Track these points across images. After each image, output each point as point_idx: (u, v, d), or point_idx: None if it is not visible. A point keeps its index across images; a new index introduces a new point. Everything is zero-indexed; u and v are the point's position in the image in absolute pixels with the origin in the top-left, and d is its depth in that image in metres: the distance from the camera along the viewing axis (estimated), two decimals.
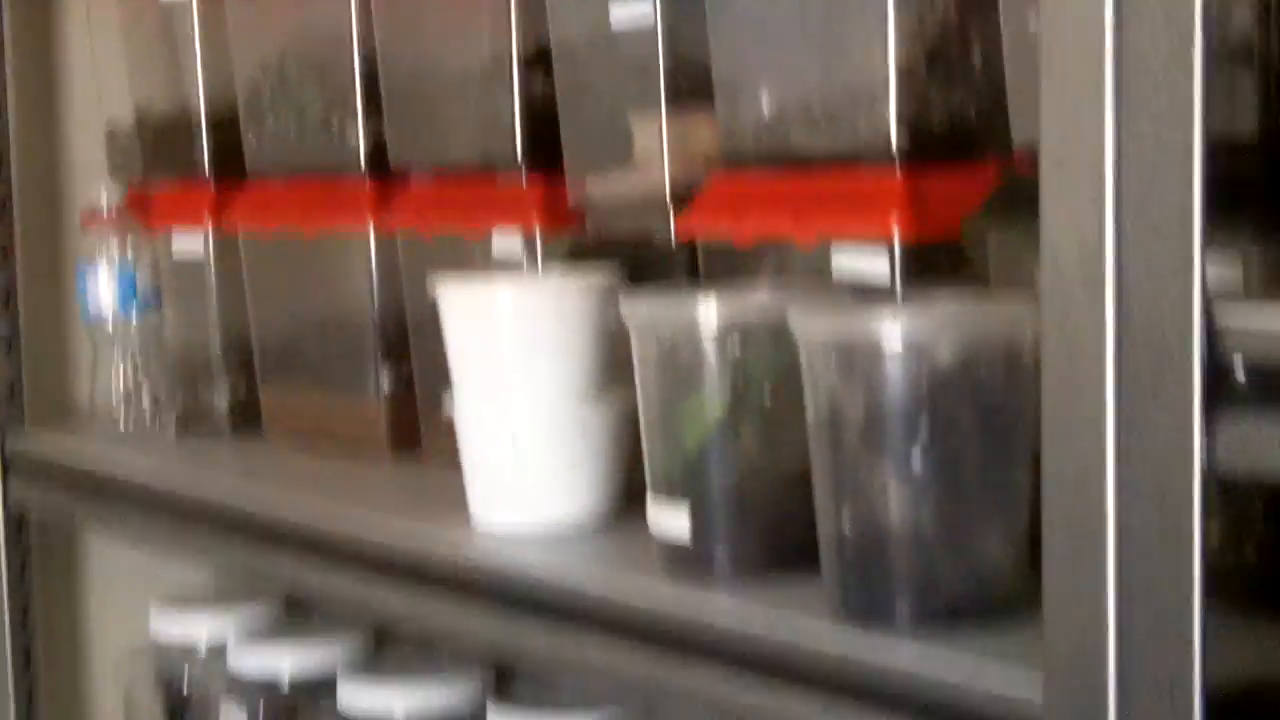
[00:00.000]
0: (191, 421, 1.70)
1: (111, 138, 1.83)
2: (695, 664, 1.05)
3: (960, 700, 0.90)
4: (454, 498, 1.28)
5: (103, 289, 1.72)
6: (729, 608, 1.05)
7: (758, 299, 1.09)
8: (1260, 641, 0.92)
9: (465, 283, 1.28)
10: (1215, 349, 0.78)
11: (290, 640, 1.60)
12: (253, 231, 1.65)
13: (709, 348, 1.09)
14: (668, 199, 1.27)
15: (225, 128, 1.67)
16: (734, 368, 1.08)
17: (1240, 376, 0.79)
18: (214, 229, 1.67)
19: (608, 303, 1.22)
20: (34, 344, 1.80)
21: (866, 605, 0.98)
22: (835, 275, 1.12)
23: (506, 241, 1.38)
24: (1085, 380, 0.81)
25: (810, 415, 1.01)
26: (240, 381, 1.69)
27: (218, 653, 1.64)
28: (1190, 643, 0.79)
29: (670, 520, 1.11)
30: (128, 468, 1.63)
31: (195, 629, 1.68)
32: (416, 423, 1.49)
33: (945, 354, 0.96)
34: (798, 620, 1.00)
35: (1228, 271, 0.87)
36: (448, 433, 1.31)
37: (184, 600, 1.73)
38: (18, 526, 1.77)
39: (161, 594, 1.74)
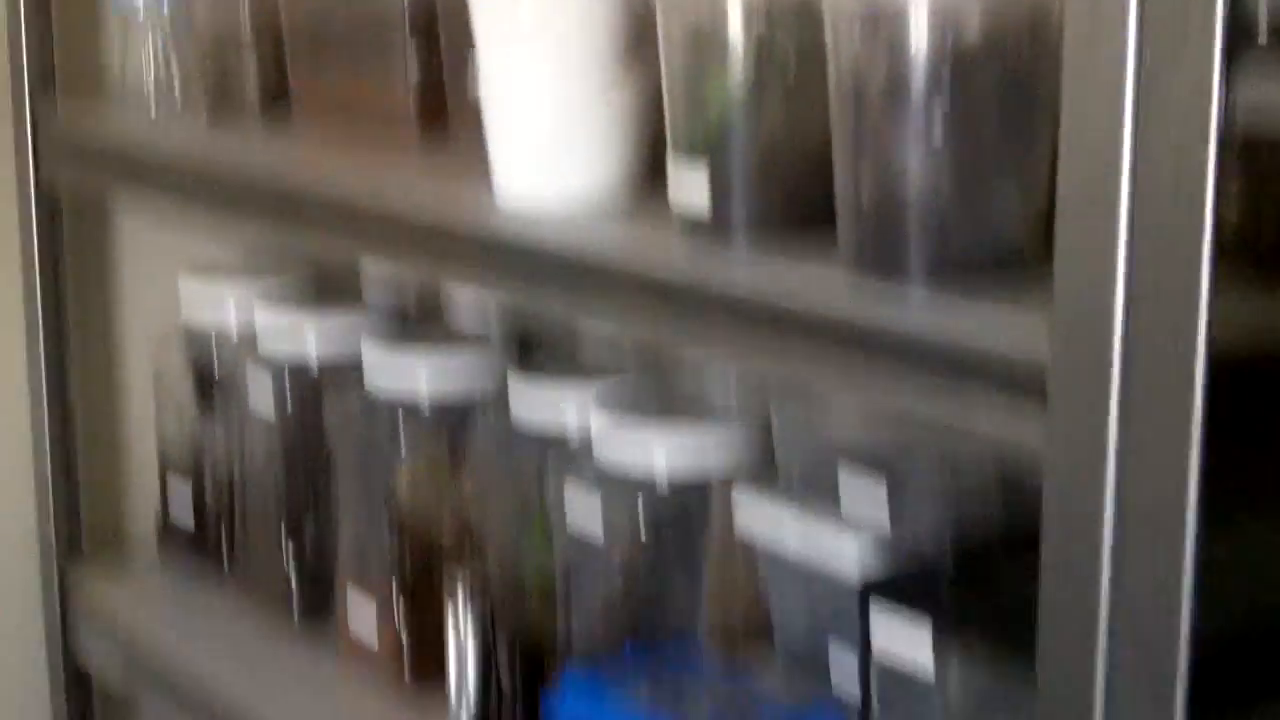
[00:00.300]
0: (222, 108, 1.70)
1: None
2: (711, 320, 1.07)
3: (968, 351, 0.91)
4: (480, 175, 1.29)
5: None
6: (746, 265, 1.07)
7: None
8: (1271, 311, 0.93)
9: None
10: (1238, 6, 0.78)
11: (316, 319, 1.63)
12: None
13: (734, 23, 1.09)
14: None
15: None
16: (758, 43, 1.08)
17: (1263, 37, 0.79)
18: None
19: None
20: (65, 28, 1.79)
21: (881, 262, 0.99)
22: None
23: None
24: (1106, 38, 0.81)
25: (832, 85, 1.01)
26: (270, 68, 1.69)
27: (246, 331, 1.67)
28: (1197, 304, 0.79)
29: (690, 184, 1.12)
30: (159, 147, 1.63)
31: (224, 303, 1.71)
32: (444, 104, 1.49)
33: (970, 22, 0.96)
34: (813, 276, 1.02)
35: None
36: (475, 113, 1.31)
37: (213, 271, 1.75)
38: (50, 208, 1.79)
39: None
